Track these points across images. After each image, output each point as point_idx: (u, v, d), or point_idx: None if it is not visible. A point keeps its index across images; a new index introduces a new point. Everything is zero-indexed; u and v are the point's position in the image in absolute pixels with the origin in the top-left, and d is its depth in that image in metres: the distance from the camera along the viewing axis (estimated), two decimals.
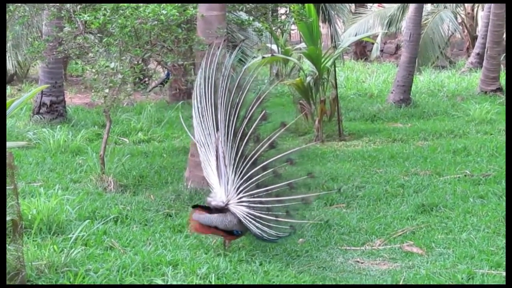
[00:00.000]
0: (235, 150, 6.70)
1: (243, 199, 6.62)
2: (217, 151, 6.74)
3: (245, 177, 6.67)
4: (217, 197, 6.74)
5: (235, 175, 6.67)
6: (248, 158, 6.70)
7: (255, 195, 6.63)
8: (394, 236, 7.31)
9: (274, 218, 6.57)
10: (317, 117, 12.43)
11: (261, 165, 6.71)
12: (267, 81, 19.81)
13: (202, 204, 7.09)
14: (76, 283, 5.73)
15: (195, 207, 6.92)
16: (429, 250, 6.91)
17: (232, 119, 6.74)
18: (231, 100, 6.78)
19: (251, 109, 6.79)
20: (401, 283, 6.09)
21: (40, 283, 5.73)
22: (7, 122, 6.65)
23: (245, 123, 6.75)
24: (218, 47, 7.21)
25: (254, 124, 6.76)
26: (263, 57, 13.51)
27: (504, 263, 6.39)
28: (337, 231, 7.45)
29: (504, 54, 20.48)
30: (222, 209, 6.66)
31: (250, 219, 6.55)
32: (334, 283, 6.12)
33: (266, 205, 6.62)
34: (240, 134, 6.71)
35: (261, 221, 6.54)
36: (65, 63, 17.49)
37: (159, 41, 8.61)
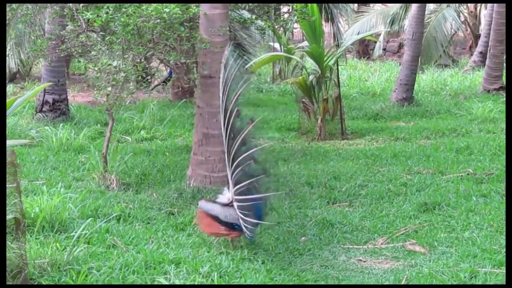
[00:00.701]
0: (227, 148, 6.75)
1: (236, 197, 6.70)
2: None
3: (232, 174, 6.73)
4: (225, 195, 6.84)
5: (230, 172, 6.76)
6: (231, 154, 6.73)
7: (235, 192, 6.70)
8: (396, 235, 7.30)
9: (243, 217, 6.60)
10: (320, 115, 12.42)
11: (236, 163, 6.69)
12: (269, 79, 19.85)
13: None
14: (78, 281, 5.74)
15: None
16: (431, 249, 6.90)
17: (223, 116, 6.78)
18: (222, 97, 6.82)
19: (231, 106, 6.80)
20: (403, 282, 6.09)
21: (42, 281, 5.74)
22: (9, 120, 6.66)
23: (226, 120, 6.78)
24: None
25: (230, 122, 6.76)
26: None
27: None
28: (339, 229, 7.45)
29: None
30: (227, 205, 6.75)
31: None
32: (336, 282, 6.12)
33: (240, 203, 6.65)
34: (227, 131, 6.77)
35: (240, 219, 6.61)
36: (67, 62, 17.47)
37: (161, 39, 8.61)
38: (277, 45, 19.70)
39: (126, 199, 8.21)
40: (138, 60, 8.70)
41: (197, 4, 8.53)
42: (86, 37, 8.84)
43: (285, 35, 19.52)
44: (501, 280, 6.04)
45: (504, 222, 7.48)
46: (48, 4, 9.77)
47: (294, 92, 14.22)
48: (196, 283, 5.88)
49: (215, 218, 6.71)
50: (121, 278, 5.94)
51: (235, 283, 5.98)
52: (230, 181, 6.72)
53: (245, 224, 6.53)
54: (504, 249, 6.70)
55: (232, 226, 6.69)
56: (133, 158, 10.12)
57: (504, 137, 11.80)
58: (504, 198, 8.28)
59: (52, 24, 11.12)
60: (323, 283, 6.08)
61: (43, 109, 12.94)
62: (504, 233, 7.17)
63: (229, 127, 6.74)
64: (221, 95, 6.79)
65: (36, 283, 5.75)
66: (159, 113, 13.81)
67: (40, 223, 6.81)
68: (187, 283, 5.88)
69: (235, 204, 6.64)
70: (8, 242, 5.35)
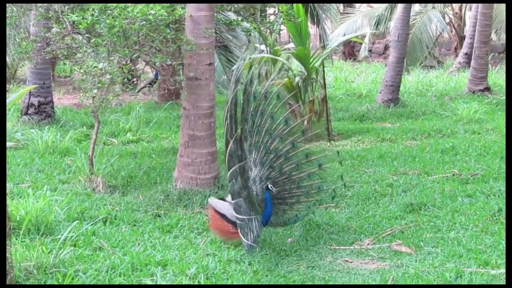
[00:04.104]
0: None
1: None
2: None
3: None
4: None
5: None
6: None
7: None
8: (383, 235, 7.33)
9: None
10: (306, 117, 12.43)
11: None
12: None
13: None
14: (65, 284, 5.72)
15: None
16: (417, 249, 6.94)
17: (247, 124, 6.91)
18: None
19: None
20: (389, 282, 6.12)
21: (29, 284, 5.72)
22: None
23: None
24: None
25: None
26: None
27: (492, 261, 6.44)
28: (326, 230, 7.46)
29: (492, 54, 20.62)
30: None
31: None
32: (323, 283, 6.13)
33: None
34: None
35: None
36: (53, 64, 17.43)
37: (147, 41, 8.60)
38: (263, 47, 19.70)
39: (113, 202, 8.20)
40: (124, 62, 8.68)
41: (182, 5, 8.53)
42: (71, 39, 8.82)
43: (271, 36, 19.53)
44: (486, 279, 6.08)
45: (489, 222, 7.56)
46: (33, 6, 9.73)
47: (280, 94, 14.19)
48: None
49: (223, 217, 6.84)
50: (108, 280, 5.93)
51: (222, 285, 5.99)
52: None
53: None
54: (489, 249, 6.78)
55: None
56: (119, 161, 10.10)
57: (490, 137, 11.89)
58: (489, 198, 8.34)
59: (37, 26, 11.09)
60: (309, 284, 6.09)
61: (29, 111, 12.89)
62: (489, 233, 7.24)
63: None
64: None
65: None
66: (145, 115, 13.79)
67: (25, 226, 6.78)
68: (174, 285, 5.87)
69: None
70: None
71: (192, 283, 5.95)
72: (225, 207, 6.85)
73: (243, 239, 6.52)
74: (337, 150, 8.11)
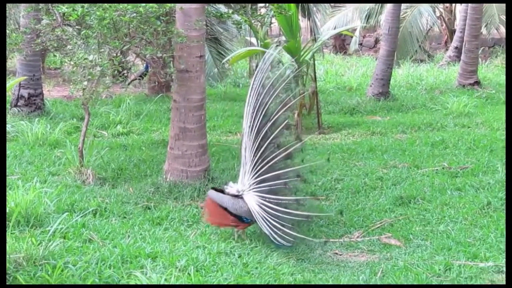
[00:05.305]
0: (256, 146, 6.86)
1: (255, 195, 6.80)
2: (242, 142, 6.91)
3: (260, 178, 6.85)
4: (234, 186, 6.95)
5: (252, 171, 6.87)
6: (266, 160, 6.87)
7: (266, 199, 6.77)
8: (372, 228, 7.36)
9: (280, 226, 6.67)
10: (296, 110, 12.44)
11: (275, 173, 6.89)
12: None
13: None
14: (54, 276, 5.72)
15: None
16: (407, 242, 6.97)
17: (258, 116, 6.88)
18: (261, 97, 6.93)
19: (276, 113, 6.95)
20: (379, 274, 6.15)
21: (18, 276, 5.71)
22: None
23: (268, 125, 6.91)
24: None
25: (277, 130, 6.95)
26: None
27: (481, 254, 6.49)
28: (316, 223, 7.48)
29: (482, 48, 20.66)
30: (236, 197, 6.87)
31: (258, 215, 6.72)
32: (312, 275, 6.14)
33: (275, 212, 6.72)
34: (262, 134, 6.87)
35: (267, 223, 6.68)
36: (43, 56, 17.34)
37: (138, 33, 8.57)
38: (254, 40, 19.68)
39: (103, 194, 8.19)
40: (114, 54, 8.66)
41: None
42: (61, 31, 8.79)
43: (261, 29, 19.52)
44: (475, 272, 6.12)
45: (478, 215, 7.59)
46: None
47: None
48: (172, 277, 5.88)
49: (225, 210, 6.85)
50: (97, 272, 5.92)
51: (211, 277, 5.99)
52: (246, 177, 6.88)
53: (275, 230, 6.64)
54: (478, 242, 6.82)
55: (241, 219, 6.82)
56: (110, 153, 10.08)
57: (479, 131, 11.94)
58: (479, 191, 8.38)
59: (27, 18, 11.04)
60: (299, 276, 6.10)
61: (18, 103, 12.84)
62: (478, 226, 7.28)
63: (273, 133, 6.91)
64: (251, 90, 6.94)
65: (11, 278, 5.72)
66: (135, 107, 13.76)
67: (15, 218, 6.77)
68: (164, 277, 5.87)
69: (251, 200, 6.78)
70: None
71: (182, 275, 5.95)
72: (227, 200, 6.87)
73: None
74: (301, 148, 7.90)
